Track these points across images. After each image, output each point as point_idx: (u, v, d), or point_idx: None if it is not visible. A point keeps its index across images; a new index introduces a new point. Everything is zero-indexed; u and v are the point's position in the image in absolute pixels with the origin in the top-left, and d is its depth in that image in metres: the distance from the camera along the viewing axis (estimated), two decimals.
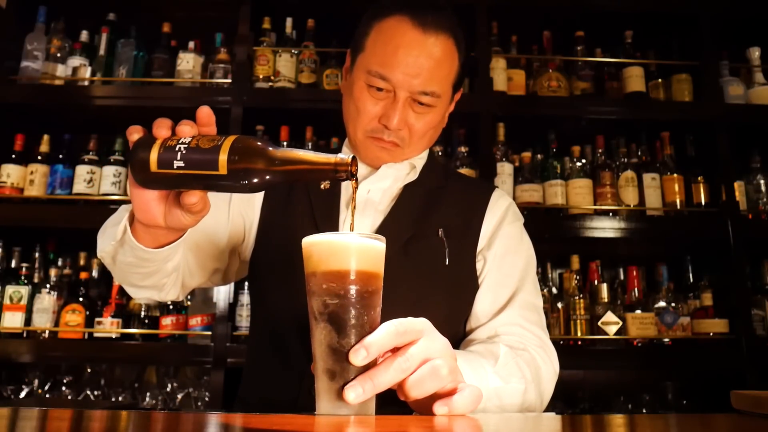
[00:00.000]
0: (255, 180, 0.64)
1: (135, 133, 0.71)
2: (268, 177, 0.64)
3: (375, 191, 1.06)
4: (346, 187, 1.06)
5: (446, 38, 0.99)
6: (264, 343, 1.06)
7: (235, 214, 1.08)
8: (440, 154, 2.08)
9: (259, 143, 0.65)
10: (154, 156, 0.67)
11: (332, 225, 1.02)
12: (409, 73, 0.96)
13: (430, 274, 1.00)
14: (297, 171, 0.64)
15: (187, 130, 0.67)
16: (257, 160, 0.64)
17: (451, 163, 2.07)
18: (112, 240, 0.86)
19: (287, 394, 0.95)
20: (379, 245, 0.65)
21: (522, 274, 1.05)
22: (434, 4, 1.01)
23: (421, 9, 0.98)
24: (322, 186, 1.07)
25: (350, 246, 0.63)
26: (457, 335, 1.03)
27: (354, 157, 0.65)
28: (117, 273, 0.96)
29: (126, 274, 0.94)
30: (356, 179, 0.66)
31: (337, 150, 2.16)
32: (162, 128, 0.68)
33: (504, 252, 1.06)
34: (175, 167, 0.66)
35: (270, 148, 0.65)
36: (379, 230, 1.01)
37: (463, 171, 2.03)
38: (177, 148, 0.66)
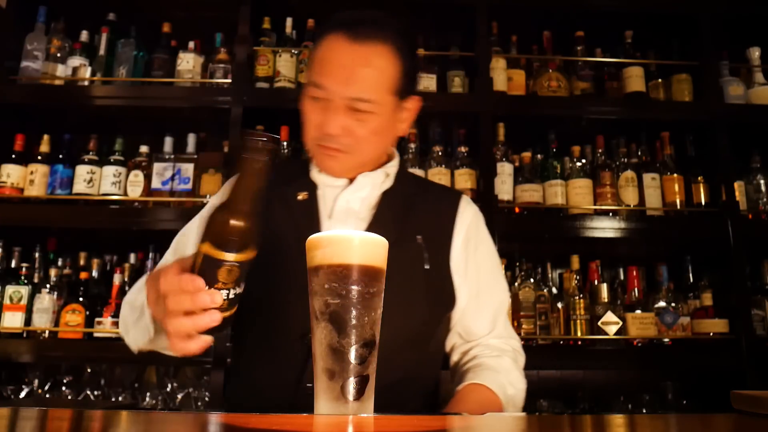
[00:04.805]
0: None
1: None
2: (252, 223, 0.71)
3: (354, 200, 1.09)
4: (323, 197, 1.10)
5: (380, 46, 1.02)
6: (255, 351, 1.08)
7: None
8: (440, 154, 2.08)
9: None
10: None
11: (313, 233, 1.04)
12: (341, 80, 1.00)
13: (412, 278, 1.04)
14: (257, 192, 0.70)
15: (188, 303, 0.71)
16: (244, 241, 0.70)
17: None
18: (145, 336, 0.92)
19: (282, 397, 0.97)
20: (382, 240, 0.65)
21: (499, 283, 1.17)
22: (371, 17, 1.05)
23: (353, 21, 1.04)
24: (299, 197, 1.10)
25: (353, 239, 0.63)
26: (434, 336, 1.09)
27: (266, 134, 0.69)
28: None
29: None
30: (268, 140, 0.70)
31: None
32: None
33: (482, 268, 1.14)
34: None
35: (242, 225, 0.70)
36: None
37: (463, 171, 2.03)
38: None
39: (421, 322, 1.01)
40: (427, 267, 1.04)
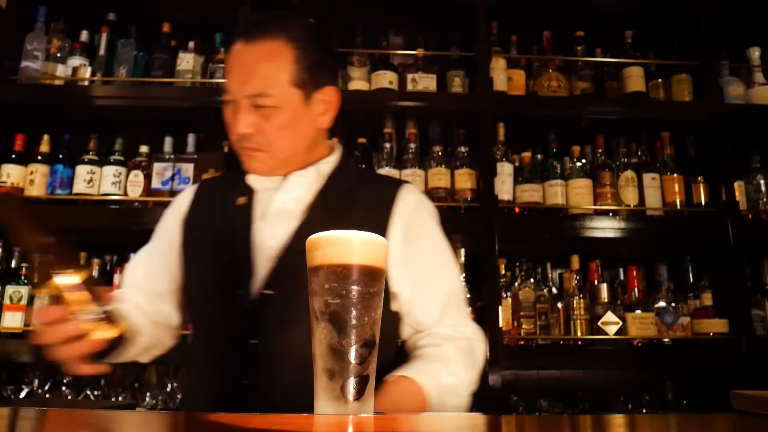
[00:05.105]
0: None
1: None
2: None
3: (289, 201, 1.11)
4: (260, 200, 1.12)
5: (272, 41, 1.05)
6: (197, 350, 1.12)
7: (170, 257, 1.16)
8: (440, 154, 2.08)
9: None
10: None
11: (245, 236, 1.07)
12: (239, 79, 1.04)
13: None
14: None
15: None
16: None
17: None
18: None
19: (221, 393, 1.01)
20: (382, 240, 0.65)
21: (447, 271, 1.15)
22: (263, 18, 1.09)
23: (248, 26, 1.07)
24: (238, 202, 1.12)
25: (353, 240, 0.63)
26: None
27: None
28: None
29: None
30: None
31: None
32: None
33: (426, 257, 1.13)
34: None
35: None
36: (295, 235, 1.06)
37: (463, 171, 2.03)
38: None
39: None
40: None
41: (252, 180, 1.13)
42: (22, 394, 1.96)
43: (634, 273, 2.06)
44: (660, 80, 2.18)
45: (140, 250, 1.23)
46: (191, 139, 2.08)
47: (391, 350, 1.15)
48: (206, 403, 1.02)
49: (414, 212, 1.13)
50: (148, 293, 1.15)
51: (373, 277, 0.63)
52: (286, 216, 1.08)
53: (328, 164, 1.15)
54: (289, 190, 1.11)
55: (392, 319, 1.11)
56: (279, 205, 1.10)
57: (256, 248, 1.05)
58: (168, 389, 1.99)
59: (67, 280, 0.77)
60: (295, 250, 1.03)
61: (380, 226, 1.09)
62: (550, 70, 2.15)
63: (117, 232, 1.99)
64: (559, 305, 2.00)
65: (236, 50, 1.06)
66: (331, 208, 1.09)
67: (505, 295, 2.00)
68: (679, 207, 2.05)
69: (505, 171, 2.04)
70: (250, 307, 1.01)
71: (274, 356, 1.00)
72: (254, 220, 1.09)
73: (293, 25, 1.09)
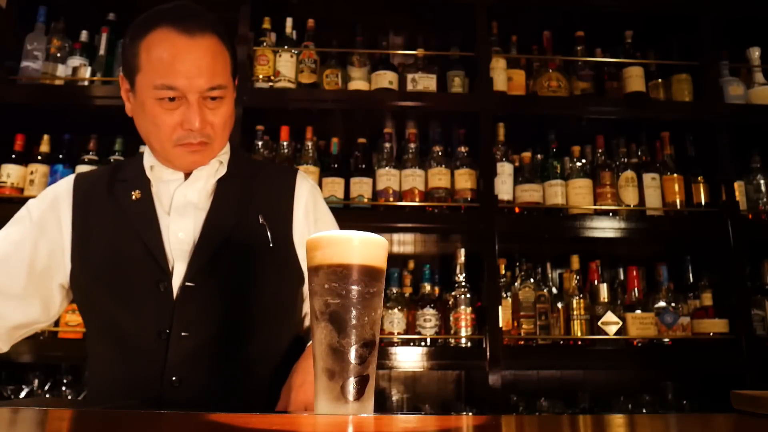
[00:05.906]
0: None
1: None
2: None
3: (191, 193, 1.11)
4: (158, 194, 1.11)
5: (211, 36, 1.06)
6: (113, 352, 1.06)
7: (37, 256, 1.07)
8: (440, 154, 2.08)
9: None
10: None
11: (154, 230, 1.06)
12: (192, 75, 1.02)
13: (258, 256, 1.08)
14: None
15: None
16: None
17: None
18: None
19: (148, 392, 0.99)
20: (382, 240, 0.65)
21: None
22: (194, 10, 1.08)
23: (180, 17, 1.05)
24: (133, 197, 1.10)
25: (353, 240, 0.63)
26: (292, 311, 1.13)
27: None
28: None
29: None
30: None
31: (336, 151, 2.16)
32: None
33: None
34: None
35: None
36: (204, 226, 1.07)
37: (463, 171, 2.03)
38: None
39: (273, 298, 1.07)
40: (271, 244, 1.08)
41: (150, 173, 1.12)
42: (22, 394, 1.96)
43: (634, 273, 2.06)
44: (660, 80, 2.19)
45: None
46: None
47: (300, 330, 1.18)
48: (126, 404, 0.99)
49: (310, 195, 1.19)
50: None
51: (373, 277, 0.63)
52: (191, 208, 1.09)
53: (225, 155, 1.17)
54: (191, 183, 1.11)
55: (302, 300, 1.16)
56: (181, 199, 1.10)
57: (167, 242, 1.05)
58: None
59: None
60: (208, 240, 1.05)
61: (286, 211, 1.14)
62: (550, 70, 2.15)
63: None
64: (559, 305, 2.00)
65: (176, 44, 1.02)
66: (234, 196, 1.12)
67: (505, 295, 2.00)
68: (679, 207, 2.05)
69: (505, 171, 2.05)
70: (176, 301, 1.01)
71: (200, 349, 1.00)
72: (158, 214, 1.08)
73: (214, 18, 1.10)
